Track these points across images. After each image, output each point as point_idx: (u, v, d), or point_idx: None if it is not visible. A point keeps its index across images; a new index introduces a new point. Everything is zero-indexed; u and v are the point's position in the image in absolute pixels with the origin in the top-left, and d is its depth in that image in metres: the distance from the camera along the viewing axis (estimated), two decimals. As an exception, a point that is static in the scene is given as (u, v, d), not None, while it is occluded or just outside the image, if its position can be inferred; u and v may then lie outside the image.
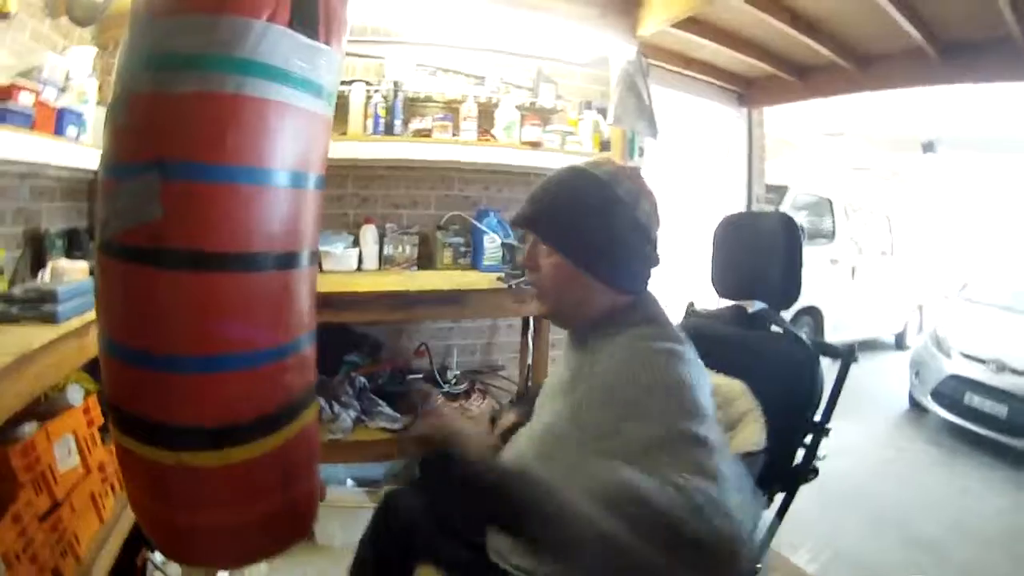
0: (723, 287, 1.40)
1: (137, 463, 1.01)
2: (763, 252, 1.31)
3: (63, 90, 1.84)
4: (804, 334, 1.30)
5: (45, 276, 1.75)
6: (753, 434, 1.11)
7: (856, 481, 3.44)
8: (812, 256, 5.40)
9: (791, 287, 1.28)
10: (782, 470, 1.25)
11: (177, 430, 0.96)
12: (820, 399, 1.28)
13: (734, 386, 1.21)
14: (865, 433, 4.30)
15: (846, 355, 1.31)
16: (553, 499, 0.71)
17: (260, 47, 0.89)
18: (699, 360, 0.96)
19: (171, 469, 0.97)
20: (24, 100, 1.58)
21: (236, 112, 0.89)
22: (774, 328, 1.37)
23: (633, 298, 1.06)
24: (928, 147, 6.19)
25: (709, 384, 0.93)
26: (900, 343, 7.08)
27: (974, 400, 4.02)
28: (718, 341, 1.34)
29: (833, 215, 5.77)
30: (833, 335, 5.79)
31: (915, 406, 4.76)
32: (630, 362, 0.91)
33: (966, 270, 5.62)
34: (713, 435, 0.80)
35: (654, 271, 1.08)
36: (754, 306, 1.40)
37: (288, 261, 1.03)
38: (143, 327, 0.94)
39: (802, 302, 5.31)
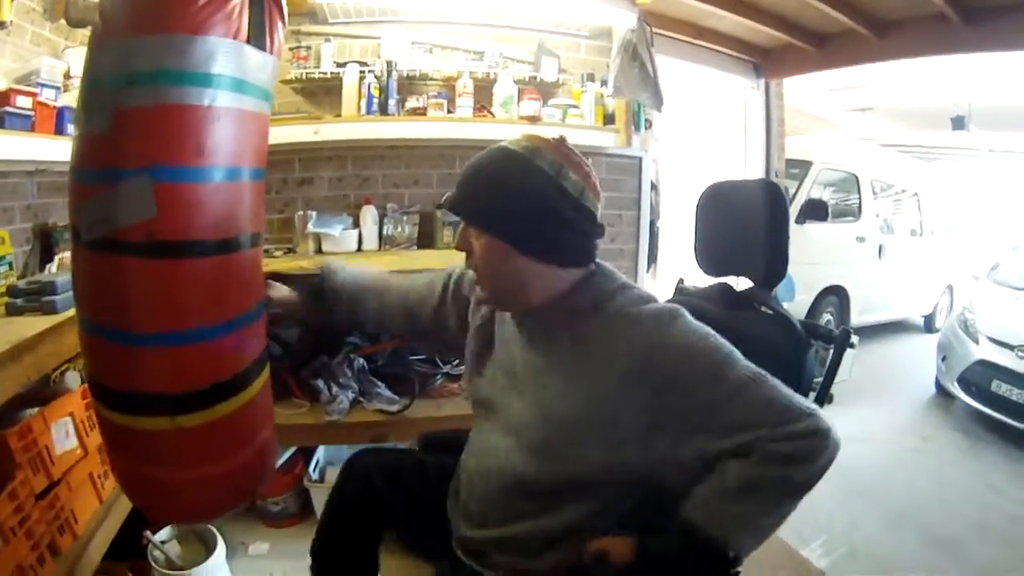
0: (706, 263, 1.31)
1: (120, 432, 1.13)
2: (746, 224, 1.21)
3: (64, 90, 1.87)
4: (791, 315, 1.20)
5: (52, 268, 1.83)
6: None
7: (877, 472, 3.32)
8: (837, 234, 5.30)
9: (776, 262, 1.19)
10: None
11: (152, 397, 1.07)
12: (809, 388, 1.18)
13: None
14: (889, 420, 4.16)
15: (840, 340, 1.21)
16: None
17: (229, 63, 1.02)
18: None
19: (152, 433, 1.08)
20: (22, 103, 1.66)
21: (210, 121, 1.01)
22: (763, 309, 1.28)
23: (580, 274, 1.03)
24: (958, 123, 5.95)
25: None
26: (929, 325, 6.84)
27: (1001, 388, 3.80)
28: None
29: (860, 192, 5.54)
30: (859, 316, 5.62)
31: (942, 392, 4.54)
32: (639, 338, 0.94)
33: (998, 251, 5.36)
34: (748, 364, 0.94)
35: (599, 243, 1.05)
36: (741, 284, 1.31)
37: (242, 243, 1.13)
38: (122, 309, 1.05)
39: (827, 281, 5.21)
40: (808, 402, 0.92)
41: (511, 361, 1.09)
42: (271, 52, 1.11)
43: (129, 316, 1.05)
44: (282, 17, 1.15)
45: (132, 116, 0.99)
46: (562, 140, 1.02)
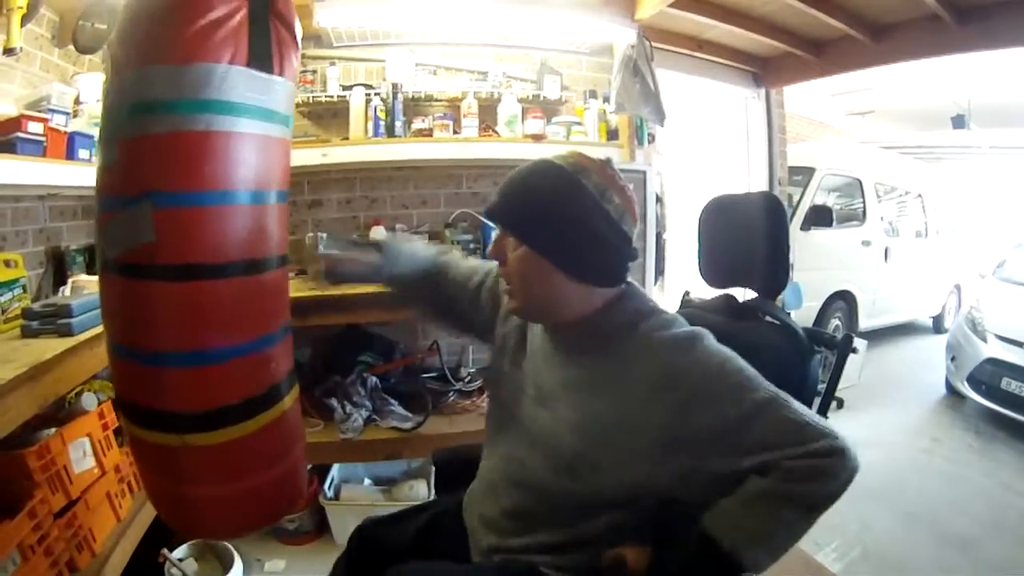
0: (710, 275, 1.34)
1: (145, 448, 1.18)
2: (747, 236, 1.24)
3: (74, 116, 1.91)
4: (795, 323, 1.23)
5: (66, 291, 1.85)
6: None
7: (889, 474, 3.31)
8: (843, 239, 5.32)
9: (777, 272, 1.22)
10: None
11: (175, 415, 1.11)
12: (813, 394, 1.21)
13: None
14: (899, 422, 4.15)
15: (842, 346, 1.23)
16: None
17: (223, 88, 1.04)
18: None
19: (174, 449, 1.13)
20: (33, 129, 1.68)
21: (207, 146, 1.05)
22: (768, 318, 1.31)
23: (612, 293, 1.04)
24: (958, 122, 5.97)
25: None
26: (938, 326, 6.85)
27: (1012, 385, 3.80)
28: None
29: (863, 196, 5.56)
30: (868, 319, 5.64)
31: (952, 392, 4.53)
32: (666, 359, 0.96)
33: (1003, 248, 5.37)
34: (768, 385, 0.93)
35: (631, 266, 1.05)
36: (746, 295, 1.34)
37: (259, 266, 1.17)
38: (142, 330, 1.11)
39: (834, 286, 5.23)
40: (827, 423, 0.91)
41: (537, 372, 1.10)
42: (280, 74, 1.13)
43: (150, 336, 1.10)
44: (294, 40, 1.16)
45: (128, 145, 1.05)
46: (607, 162, 1.04)
